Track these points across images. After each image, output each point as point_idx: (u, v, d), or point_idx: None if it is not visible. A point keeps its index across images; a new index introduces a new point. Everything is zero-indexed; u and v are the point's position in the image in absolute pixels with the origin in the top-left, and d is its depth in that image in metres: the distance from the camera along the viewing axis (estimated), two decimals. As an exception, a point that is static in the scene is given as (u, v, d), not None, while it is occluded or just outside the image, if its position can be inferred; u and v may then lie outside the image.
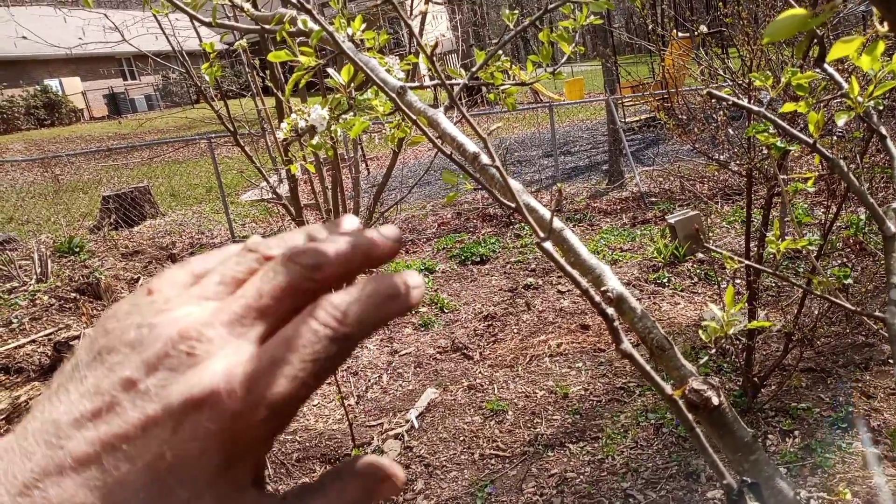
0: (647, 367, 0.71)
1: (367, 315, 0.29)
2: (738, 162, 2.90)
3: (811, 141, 1.05)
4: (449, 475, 3.21)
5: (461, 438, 3.49)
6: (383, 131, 1.70)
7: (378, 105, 1.23)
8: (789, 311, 3.63)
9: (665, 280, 5.27)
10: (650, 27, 5.95)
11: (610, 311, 0.67)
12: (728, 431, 0.89)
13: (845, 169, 1.04)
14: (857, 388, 3.22)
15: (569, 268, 0.68)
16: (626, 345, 0.69)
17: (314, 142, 1.64)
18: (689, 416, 0.68)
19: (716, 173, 7.69)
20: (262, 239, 0.33)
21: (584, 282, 0.68)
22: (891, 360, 3.37)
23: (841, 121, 1.06)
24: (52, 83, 26.98)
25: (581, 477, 2.98)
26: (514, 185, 1.01)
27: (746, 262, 1.58)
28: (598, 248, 6.30)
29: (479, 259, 6.51)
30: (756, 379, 3.25)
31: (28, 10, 25.48)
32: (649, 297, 5.03)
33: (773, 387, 3.31)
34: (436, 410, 3.84)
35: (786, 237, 1.43)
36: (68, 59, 27.09)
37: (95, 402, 0.27)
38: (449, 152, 1.17)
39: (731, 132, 3.04)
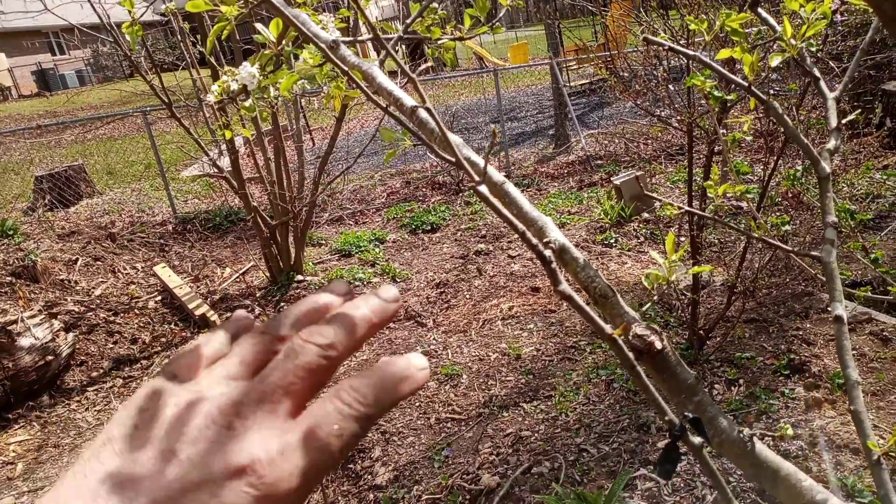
0: (587, 308, 0.70)
1: (383, 396, 0.33)
2: (679, 118, 2.93)
3: (746, 84, 1.05)
4: (406, 440, 3.22)
5: (417, 404, 3.50)
6: (321, 96, 1.64)
7: (308, 57, 1.18)
8: (732, 266, 3.73)
9: (612, 241, 5.36)
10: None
11: (547, 252, 0.66)
12: (671, 375, 0.89)
13: (779, 110, 1.05)
14: (797, 335, 3.35)
15: (505, 211, 0.66)
16: (564, 286, 0.68)
17: (247, 104, 1.58)
18: (630, 354, 0.68)
19: (659, 134, 7.80)
20: (271, 321, 0.37)
21: (520, 225, 0.66)
22: (829, 309, 3.51)
23: (775, 62, 1.07)
24: (-27, 60, 25.48)
25: (535, 435, 3.03)
26: (454, 138, 0.98)
27: (687, 208, 1.60)
28: (546, 211, 6.34)
29: (429, 227, 6.48)
30: (701, 332, 3.34)
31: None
32: (597, 258, 5.10)
33: (718, 338, 3.41)
34: (390, 378, 3.84)
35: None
36: (-12, 33, 25.61)
37: (135, 470, 0.29)
38: (385, 105, 1.13)
39: (672, 88, 3.07)
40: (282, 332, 0.36)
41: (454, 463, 2.97)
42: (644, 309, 1.05)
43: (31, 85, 27.78)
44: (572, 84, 11.88)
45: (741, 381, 3.07)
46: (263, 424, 0.31)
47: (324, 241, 6.50)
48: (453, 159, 0.98)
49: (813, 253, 1.07)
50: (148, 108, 7.85)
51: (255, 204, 5.05)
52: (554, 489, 2.54)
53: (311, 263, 5.81)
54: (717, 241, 4.92)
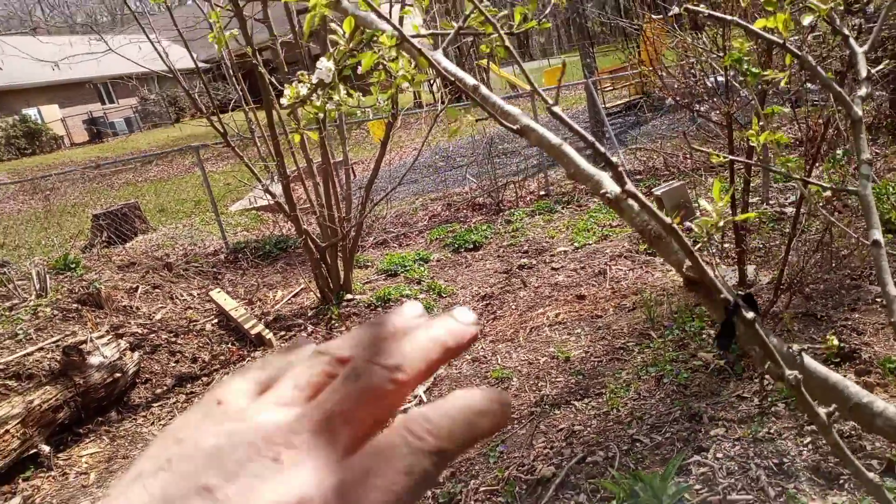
0: (647, 202, 0.81)
1: (460, 431, 0.28)
2: (718, 110, 3.02)
3: (781, 41, 1.16)
4: (461, 440, 3.31)
5: (469, 406, 3.59)
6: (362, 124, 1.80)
7: (385, 41, 1.33)
8: (776, 268, 3.76)
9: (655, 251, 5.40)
10: (624, 10, 6.09)
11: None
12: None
13: (813, 63, 1.16)
14: (847, 325, 3.35)
15: (567, 119, 0.79)
16: (630, 186, 0.80)
17: (317, 103, 1.74)
18: (668, 219, 0.79)
19: (695, 152, 7.83)
20: (331, 341, 0.33)
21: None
22: (878, 299, 3.51)
23: (807, 21, 1.18)
24: (31, 112, 26.89)
25: (588, 429, 3.09)
26: (513, 110, 1.12)
27: (731, 157, 1.69)
28: (587, 225, 6.43)
29: (472, 246, 6.62)
30: (749, 326, 3.37)
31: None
32: (641, 267, 5.15)
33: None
34: (442, 384, 3.94)
35: (768, 201, 1.53)
36: (44, 86, 27.04)
37: None
38: (451, 80, 1.27)
39: (709, 83, 3.17)
40: (343, 354, 0.31)
41: (509, 458, 3.04)
42: (698, 247, 1.14)
43: (83, 133, 29.13)
44: (607, 105, 12.00)
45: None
46: (318, 458, 0.27)
47: (370, 263, 6.68)
48: (515, 127, 1.12)
49: (849, 188, 1.16)
50: (200, 145, 8.23)
51: (305, 227, 5.27)
52: (610, 474, 2.60)
53: (359, 283, 5.98)
54: (761, 245, 4.93)
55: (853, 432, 2.58)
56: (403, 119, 9.23)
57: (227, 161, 15.09)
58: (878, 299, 3.50)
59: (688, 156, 7.87)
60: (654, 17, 9.13)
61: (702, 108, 4.08)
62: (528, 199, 8.02)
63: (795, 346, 0.99)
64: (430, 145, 12.42)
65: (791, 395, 2.58)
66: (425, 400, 3.79)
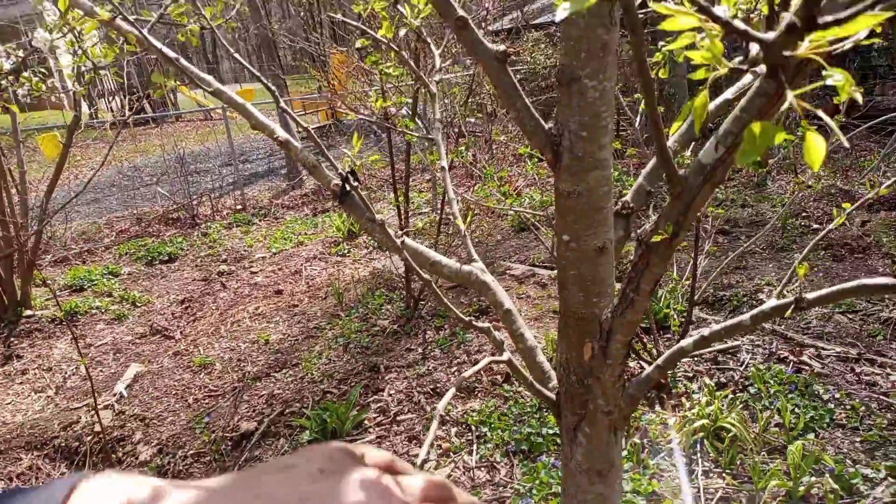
0: (318, 137, 1.30)
1: None
2: (375, 114, 3.74)
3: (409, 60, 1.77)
4: (166, 421, 3.47)
5: (173, 392, 3.75)
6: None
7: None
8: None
9: (346, 251, 6.07)
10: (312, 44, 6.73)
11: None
12: (357, 208, 1.52)
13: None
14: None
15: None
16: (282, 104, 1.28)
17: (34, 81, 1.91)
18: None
19: (383, 168, 8.83)
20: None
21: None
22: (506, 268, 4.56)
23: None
24: None
25: (287, 392, 3.52)
26: (207, 77, 1.51)
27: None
28: (285, 234, 6.87)
29: (167, 258, 6.58)
30: (414, 297, 4.15)
31: None
32: (333, 266, 5.76)
33: (429, 303, 4.26)
34: (143, 380, 4.01)
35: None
36: None
37: None
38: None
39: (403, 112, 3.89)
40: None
41: (215, 426, 3.32)
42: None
43: None
44: (300, 129, 12.59)
45: (446, 326, 3.92)
46: None
47: (52, 280, 6.21)
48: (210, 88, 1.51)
49: (430, 136, 1.81)
50: None
51: (-31, 236, 4.80)
52: (305, 416, 3.07)
53: (39, 299, 5.56)
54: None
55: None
56: (80, 138, 8.64)
57: None
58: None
59: (372, 175, 8.81)
60: (339, 49, 10.03)
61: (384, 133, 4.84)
62: (224, 213, 8.17)
63: (398, 232, 1.55)
64: (116, 163, 11.67)
65: (444, 342, 3.27)
66: (126, 395, 3.83)
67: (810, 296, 0.85)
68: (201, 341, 4.41)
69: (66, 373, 4.31)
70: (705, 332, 0.95)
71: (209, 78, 1.53)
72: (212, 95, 1.48)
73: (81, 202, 9.17)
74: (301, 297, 4.98)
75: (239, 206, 8.32)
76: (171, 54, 1.46)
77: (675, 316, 3.54)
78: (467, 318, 1.17)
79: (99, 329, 5.00)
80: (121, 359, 4.43)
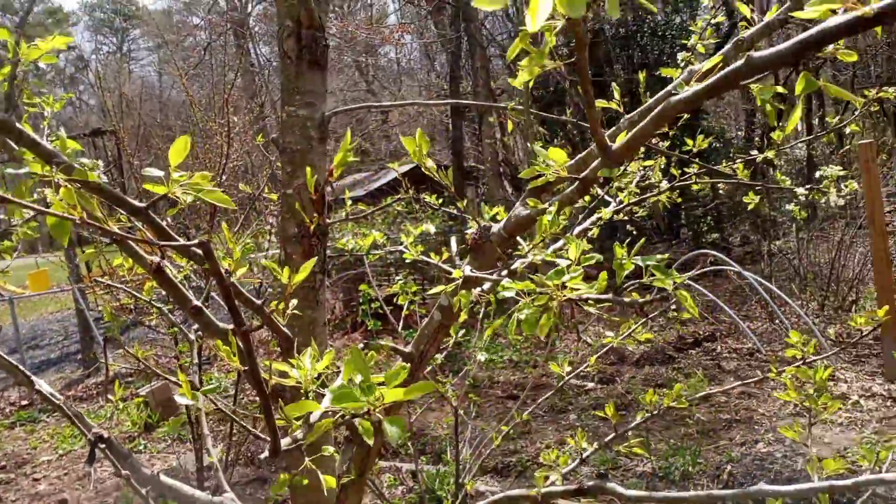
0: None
1: None
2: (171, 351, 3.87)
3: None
4: None
5: None
6: None
7: None
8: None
9: (142, 447, 5.77)
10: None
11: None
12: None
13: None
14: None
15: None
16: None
17: None
18: None
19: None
20: None
21: None
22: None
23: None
24: None
25: None
26: None
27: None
28: (75, 431, 6.38)
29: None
30: None
31: None
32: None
33: None
34: None
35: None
36: None
37: None
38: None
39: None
40: None
41: None
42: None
43: None
44: (101, 307, 11.99)
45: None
46: None
47: None
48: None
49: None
50: None
51: None
52: None
53: None
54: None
55: None
56: None
57: None
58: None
59: (178, 356, 8.55)
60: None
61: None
62: (8, 410, 7.43)
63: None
64: None
65: None
66: None
67: None
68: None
69: None
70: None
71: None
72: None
73: None
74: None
75: (25, 402, 7.61)
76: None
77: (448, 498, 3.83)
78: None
79: None
80: None
